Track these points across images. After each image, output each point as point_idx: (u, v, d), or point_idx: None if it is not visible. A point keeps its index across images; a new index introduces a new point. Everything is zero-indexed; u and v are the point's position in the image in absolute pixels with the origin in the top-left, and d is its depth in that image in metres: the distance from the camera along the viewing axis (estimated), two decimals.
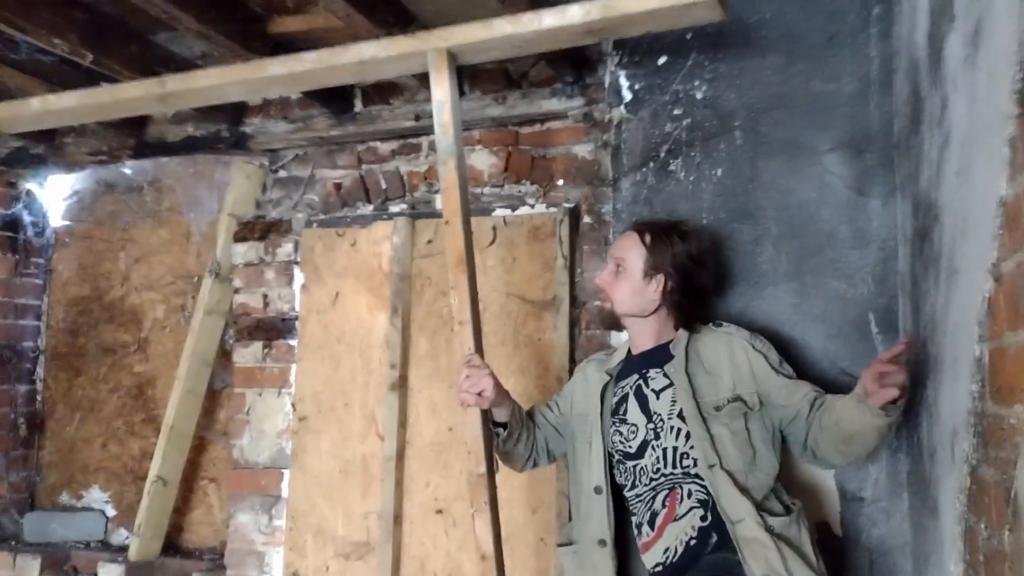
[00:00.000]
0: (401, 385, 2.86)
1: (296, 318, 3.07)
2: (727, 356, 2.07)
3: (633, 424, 2.08)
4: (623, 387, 2.15)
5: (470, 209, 2.82)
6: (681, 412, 2.01)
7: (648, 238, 2.15)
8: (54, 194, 3.77)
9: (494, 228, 2.87)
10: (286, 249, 3.12)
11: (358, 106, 3.03)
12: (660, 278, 2.13)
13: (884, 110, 2.39)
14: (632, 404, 2.10)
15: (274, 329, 3.08)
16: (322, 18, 2.55)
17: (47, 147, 3.40)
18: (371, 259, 2.98)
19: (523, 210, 2.87)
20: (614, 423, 2.13)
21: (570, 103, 2.77)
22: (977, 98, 1.31)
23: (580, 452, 2.20)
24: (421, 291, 2.92)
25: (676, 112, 2.63)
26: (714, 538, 1.93)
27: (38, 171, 3.62)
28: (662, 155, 2.66)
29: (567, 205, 2.80)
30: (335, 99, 3.01)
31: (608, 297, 2.18)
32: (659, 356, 2.12)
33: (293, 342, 3.06)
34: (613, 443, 2.12)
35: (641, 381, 2.11)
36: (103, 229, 3.63)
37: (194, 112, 3.13)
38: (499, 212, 2.89)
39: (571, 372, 2.69)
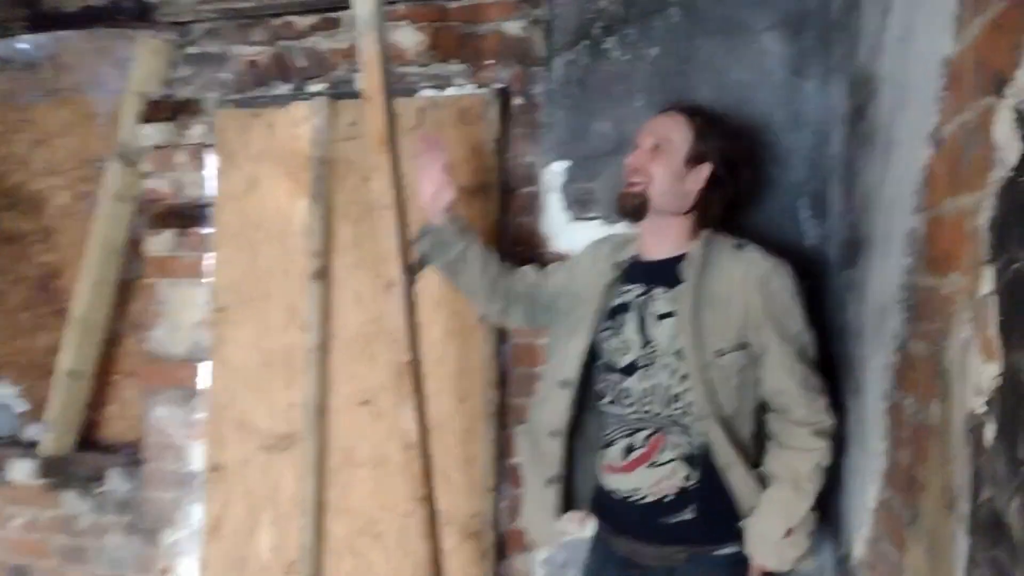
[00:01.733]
0: (323, 275, 2.75)
1: (210, 204, 2.90)
2: (740, 290, 1.83)
3: (627, 339, 1.92)
4: (625, 293, 1.96)
5: (393, 88, 2.68)
6: (680, 351, 1.83)
7: (698, 120, 1.95)
8: None
9: (420, 110, 2.72)
10: (198, 131, 2.92)
11: None
12: (703, 169, 1.91)
13: None
14: (631, 318, 1.92)
15: (187, 216, 2.92)
16: None
17: None
18: (289, 142, 2.82)
19: (451, 91, 2.72)
20: (608, 327, 1.96)
21: None
22: None
23: (559, 337, 2.08)
24: (344, 176, 2.77)
25: None
26: (691, 508, 1.84)
27: None
28: (596, 32, 2.54)
29: (497, 86, 2.66)
30: None
31: (644, 175, 1.90)
32: (669, 273, 1.90)
33: (208, 230, 2.90)
34: (602, 348, 1.97)
35: (645, 297, 1.92)
36: None
37: None
38: (425, 93, 2.74)
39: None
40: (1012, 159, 0.76)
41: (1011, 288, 0.80)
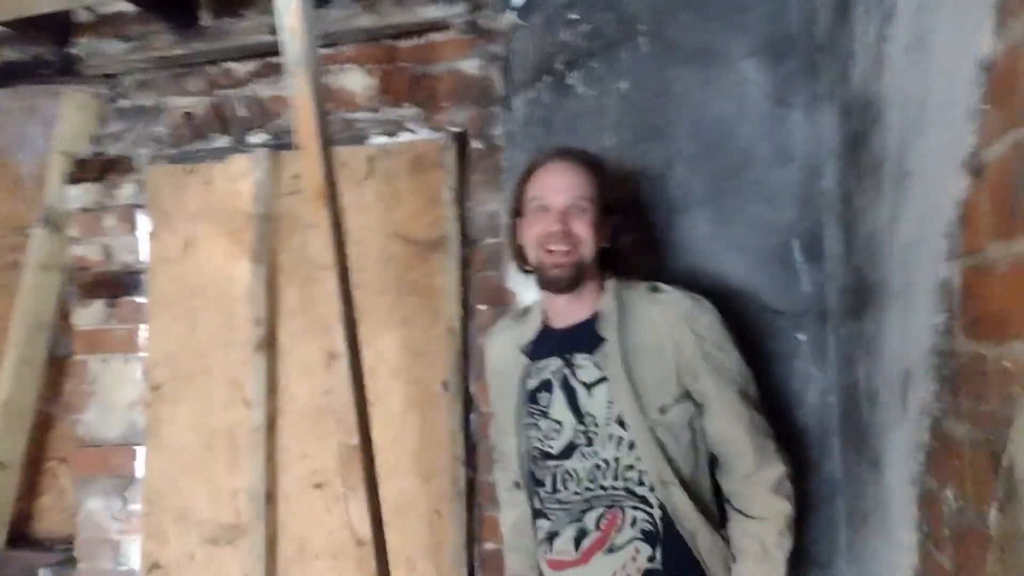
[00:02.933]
0: (269, 344, 2.47)
1: (143, 271, 2.63)
2: (667, 335, 1.61)
3: (556, 421, 1.67)
4: (541, 370, 1.71)
5: (341, 136, 2.45)
6: (620, 417, 1.60)
7: (596, 169, 1.73)
8: None
9: (371, 158, 2.48)
10: (128, 190, 2.67)
11: (205, 19, 2.58)
12: (612, 220, 1.72)
13: (805, 6, 2.09)
14: (557, 397, 1.68)
15: (118, 284, 2.65)
16: None
17: None
18: (229, 199, 2.56)
19: (404, 136, 2.49)
20: (532, 415, 1.72)
21: (452, 9, 2.38)
22: None
23: (503, 436, 1.84)
24: (288, 234, 2.52)
25: (572, 16, 2.27)
26: None
27: None
28: (559, 67, 2.30)
29: (453, 129, 2.43)
30: (177, 11, 2.55)
31: (572, 240, 1.65)
32: (585, 335, 1.67)
33: (141, 299, 2.63)
34: (528, 438, 1.73)
35: (567, 369, 1.68)
36: None
37: (10, 33, 2.63)
38: (376, 140, 2.50)
39: (464, 321, 2.36)
40: None
41: None
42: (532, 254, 1.69)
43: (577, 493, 1.64)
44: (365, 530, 1.92)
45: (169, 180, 2.62)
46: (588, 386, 1.64)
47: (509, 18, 2.34)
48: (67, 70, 2.71)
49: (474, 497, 2.34)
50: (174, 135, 2.68)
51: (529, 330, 1.77)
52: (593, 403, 1.63)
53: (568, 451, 1.65)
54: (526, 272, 1.78)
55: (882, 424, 1.41)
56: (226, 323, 2.53)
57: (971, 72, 0.85)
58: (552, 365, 1.69)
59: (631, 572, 1.58)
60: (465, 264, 2.38)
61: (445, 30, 2.45)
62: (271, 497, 2.44)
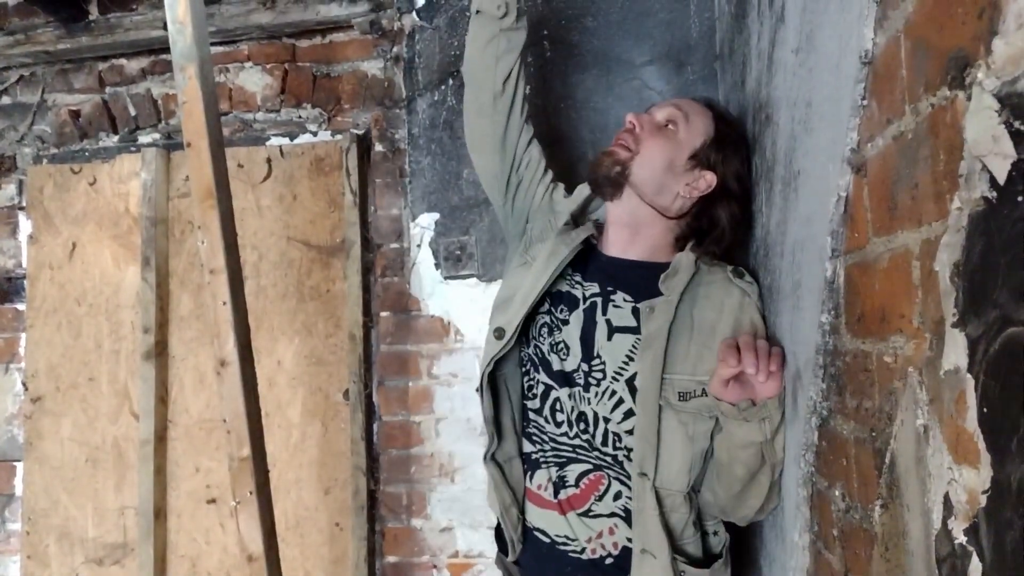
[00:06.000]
0: (159, 352, 2.35)
1: (24, 276, 2.48)
2: (730, 322, 1.41)
3: (565, 345, 1.51)
4: (576, 285, 1.54)
5: (238, 136, 2.37)
6: (633, 379, 1.43)
7: (723, 126, 1.53)
8: None
9: (269, 160, 2.39)
10: (8, 191, 2.51)
11: (93, 13, 2.45)
12: (706, 177, 1.49)
13: (704, 15, 2.13)
14: (575, 320, 1.50)
15: (1, 290, 2.49)
16: None
17: None
18: (116, 200, 2.44)
19: (304, 138, 2.41)
20: (547, 315, 1.55)
21: (354, 8, 2.32)
22: None
23: (511, 271, 1.65)
24: (181, 238, 2.41)
25: None
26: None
27: None
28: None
29: (355, 131, 2.37)
30: (64, 4, 2.41)
31: (634, 145, 1.48)
32: (641, 279, 1.48)
33: (22, 306, 2.48)
34: (536, 336, 1.56)
35: (600, 300, 1.50)
36: None
37: None
38: (275, 141, 2.42)
39: (366, 327, 2.30)
40: (999, 172, 0.50)
41: (999, 364, 0.54)
42: None
43: (565, 435, 1.50)
44: (256, 546, 1.83)
45: (52, 180, 2.48)
46: (613, 329, 1.46)
47: (411, 19, 2.30)
48: None
49: (376, 509, 2.27)
50: (59, 133, 2.53)
51: (578, 235, 1.58)
52: (610, 347, 1.45)
53: (563, 380, 1.50)
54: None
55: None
56: (113, 331, 2.40)
57: (854, 68, 0.85)
58: (588, 288, 1.52)
59: (607, 545, 1.46)
60: (367, 270, 2.32)
61: (347, 30, 2.39)
62: (160, 514, 2.32)
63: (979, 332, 0.56)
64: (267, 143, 2.42)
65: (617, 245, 1.55)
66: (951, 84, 0.58)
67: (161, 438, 2.33)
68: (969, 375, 0.59)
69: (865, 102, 0.82)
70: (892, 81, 0.73)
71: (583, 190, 1.68)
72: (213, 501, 2.32)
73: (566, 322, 1.52)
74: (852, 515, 0.96)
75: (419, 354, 2.27)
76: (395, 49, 2.35)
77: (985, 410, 0.57)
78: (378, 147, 2.35)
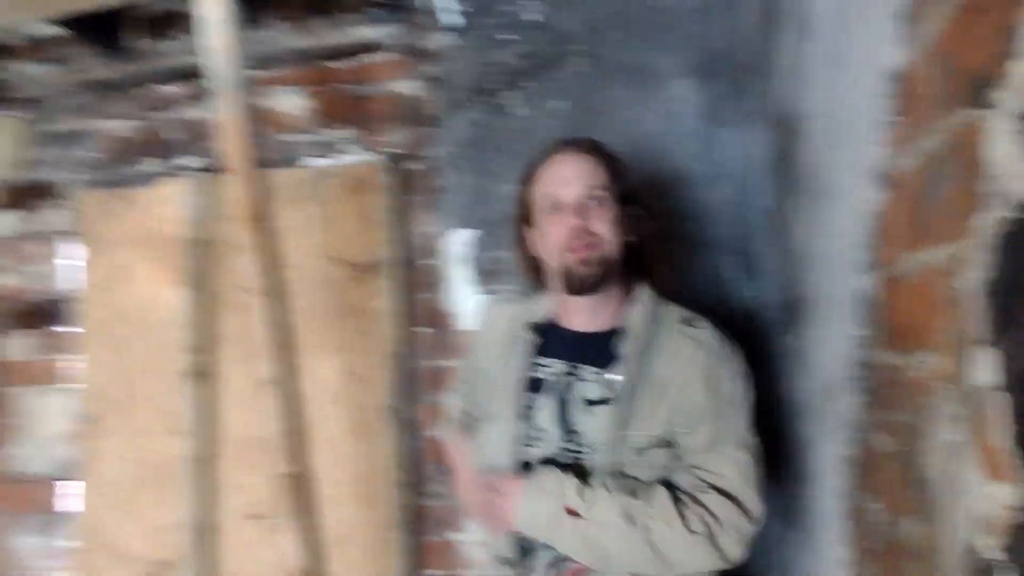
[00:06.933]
0: (204, 372, 2.41)
1: (71, 300, 2.55)
2: (681, 373, 1.43)
3: (542, 428, 1.50)
4: (541, 368, 1.53)
5: (277, 158, 2.42)
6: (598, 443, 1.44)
7: (608, 157, 1.52)
8: None
9: (307, 181, 2.44)
10: (56, 217, 2.59)
11: (134, 41, 2.53)
12: (632, 213, 1.51)
13: (731, 26, 2.13)
14: (548, 402, 1.50)
15: (45, 314, 2.56)
16: None
17: None
18: (161, 223, 2.50)
19: (341, 158, 2.46)
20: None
21: (386, 30, 2.36)
22: None
23: (483, 425, 1.62)
24: (224, 259, 2.46)
25: (507, 36, 2.28)
26: None
27: None
28: (495, 87, 2.30)
29: (391, 151, 2.41)
30: (105, 33, 2.49)
31: (593, 236, 1.45)
32: (601, 347, 1.49)
33: (71, 328, 2.55)
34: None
35: (570, 378, 1.50)
36: None
37: None
38: (313, 162, 2.47)
39: (405, 344, 2.33)
40: (1021, 190, 0.51)
41: None
42: (555, 260, 1.49)
43: None
44: (303, 562, 1.86)
45: (99, 206, 2.55)
46: (589, 403, 1.47)
47: (443, 39, 2.34)
48: None
49: (419, 524, 2.29)
50: (104, 159, 2.61)
51: (538, 312, 1.58)
52: (589, 423, 1.45)
53: (545, 464, 1.48)
54: (538, 287, 1.61)
55: (811, 439, 1.42)
56: (160, 351, 2.46)
57: (879, 83, 0.85)
58: (554, 367, 1.52)
59: None
60: (404, 286, 2.35)
61: (380, 51, 2.44)
62: (207, 531, 2.37)
63: (1011, 350, 0.57)
64: (305, 164, 2.47)
65: (579, 320, 1.54)
66: (974, 103, 0.59)
67: (208, 456, 2.38)
68: (1001, 392, 0.59)
69: (891, 118, 0.83)
70: (917, 99, 0.74)
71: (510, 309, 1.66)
72: (257, 518, 2.36)
73: (537, 407, 1.50)
74: (889, 529, 0.96)
75: (457, 369, 2.30)
76: (429, 69, 2.38)
77: (1017, 427, 0.57)
78: (413, 165, 2.39)
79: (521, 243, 1.60)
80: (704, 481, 1.39)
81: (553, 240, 1.47)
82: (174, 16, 2.49)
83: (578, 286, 1.47)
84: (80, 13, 1.97)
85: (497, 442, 1.53)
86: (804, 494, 1.48)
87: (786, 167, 1.53)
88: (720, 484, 1.38)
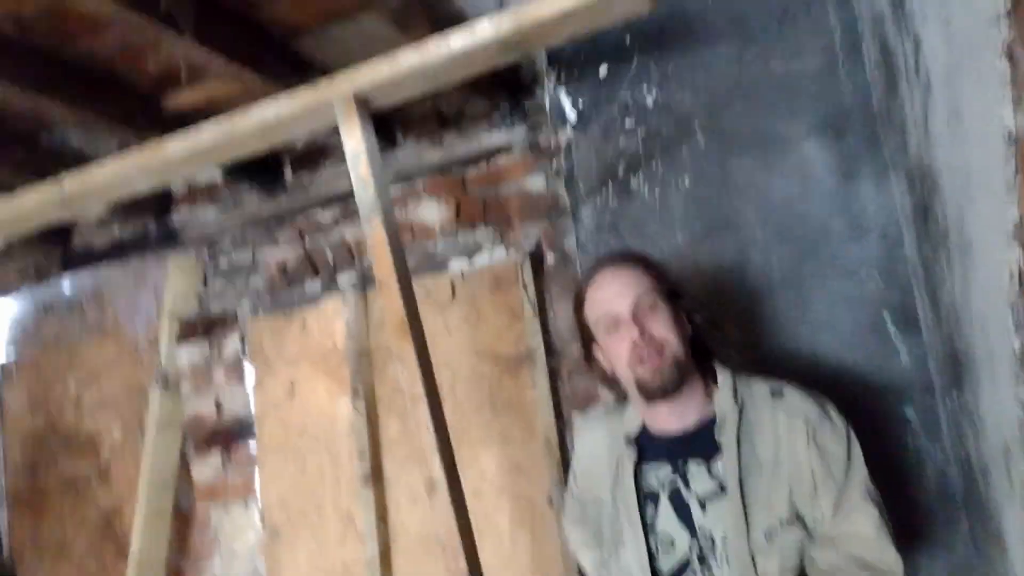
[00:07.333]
0: (375, 477, 2.53)
1: (252, 418, 2.76)
2: (787, 446, 1.44)
3: (668, 536, 1.50)
4: (647, 477, 1.54)
5: (424, 266, 2.55)
6: (724, 536, 1.44)
7: (642, 262, 1.59)
8: None
9: (452, 284, 2.57)
10: (233, 344, 2.83)
11: (288, 176, 2.78)
12: (682, 306, 1.56)
13: (857, 80, 2.10)
14: (665, 509, 1.50)
15: (230, 434, 2.78)
16: (217, 86, 2.29)
17: None
18: (324, 339, 2.69)
19: (481, 258, 2.57)
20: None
21: (512, 134, 2.49)
22: (952, 16, 1.00)
23: (606, 552, 1.60)
24: (383, 367, 2.61)
25: (628, 124, 2.34)
26: None
27: None
28: (620, 173, 2.36)
29: (527, 247, 2.50)
30: (262, 172, 2.75)
31: (658, 343, 1.48)
32: (700, 441, 1.50)
33: (254, 446, 2.75)
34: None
35: (678, 478, 1.51)
36: (48, 354, 3.36)
37: (116, 211, 2.89)
38: (456, 264, 2.59)
39: (560, 431, 2.36)
40: None
41: None
42: (625, 375, 1.51)
43: None
44: None
45: (268, 328, 2.77)
46: (704, 501, 1.47)
47: (566, 134, 2.43)
48: (169, 238, 2.94)
49: None
50: (271, 285, 2.85)
51: (631, 424, 1.59)
52: (709, 519, 1.46)
53: (680, 571, 1.48)
54: (623, 399, 1.64)
55: (997, 500, 1.34)
56: (333, 460, 2.61)
57: (1001, 146, 0.84)
58: (661, 472, 1.52)
59: None
60: (553, 375, 2.40)
61: (509, 152, 2.56)
62: None
63: None
64: (449, 267, 2.60)
65: (667, 423, 1.54)
66: None
67: (385, 557, 2.48)
68: None
69: (1018, 176, 0.82)
70: None
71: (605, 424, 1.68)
72: None
73: (657, 518, 1.51)
74: None
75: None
76: (554, 163, 2.48)
77: None
78: (550, 257, 2.46)
79: (594, 364, 1.63)
80: (840, 549, 1.39)
81: (621, 357, 1.50)
82: (322, 147, 2.72)
83: (660, 393, 1.49)
84: (248, 158, 2.19)
85: (634, 563, 1.52)
86: (1002, 558, 1.38)
87: (928, 220, 1.49)
88: (857, 552, 1.38)
